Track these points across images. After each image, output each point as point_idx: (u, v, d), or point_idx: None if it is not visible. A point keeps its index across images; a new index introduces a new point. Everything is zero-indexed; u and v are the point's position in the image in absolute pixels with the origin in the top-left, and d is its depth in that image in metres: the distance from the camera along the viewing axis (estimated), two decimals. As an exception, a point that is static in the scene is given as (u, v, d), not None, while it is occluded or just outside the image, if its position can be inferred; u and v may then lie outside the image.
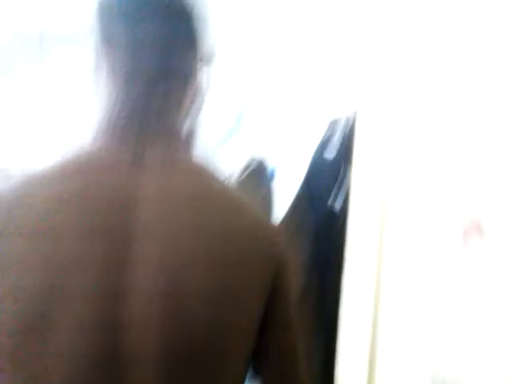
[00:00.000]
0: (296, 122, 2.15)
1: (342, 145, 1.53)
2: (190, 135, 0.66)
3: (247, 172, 2.33)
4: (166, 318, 0.57)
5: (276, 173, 2.26)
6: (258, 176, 2.30)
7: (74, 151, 0.62)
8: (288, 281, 0.67)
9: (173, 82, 0.63)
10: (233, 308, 0.60)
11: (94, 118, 0.63)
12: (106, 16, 0.63)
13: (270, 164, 2.29)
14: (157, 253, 0.58)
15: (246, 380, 0.67)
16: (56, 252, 0.56)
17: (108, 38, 0.62)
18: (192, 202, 0.61)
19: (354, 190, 1.29)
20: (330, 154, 1.63)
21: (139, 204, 0.59)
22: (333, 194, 1.52)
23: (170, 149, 0.63)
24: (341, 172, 1.48)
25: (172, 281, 0.57)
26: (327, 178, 1.60)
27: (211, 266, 0.59)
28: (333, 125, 1.67)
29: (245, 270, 0.61)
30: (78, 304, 0.55)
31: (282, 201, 2.14)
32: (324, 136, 1.70)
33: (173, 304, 0.57)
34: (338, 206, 1.49)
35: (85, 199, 0.58)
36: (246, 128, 2.56)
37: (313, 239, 1.63)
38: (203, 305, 0.58)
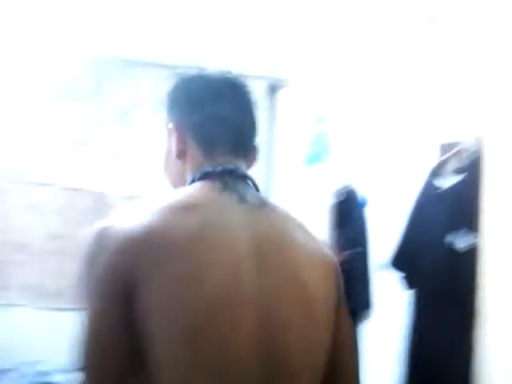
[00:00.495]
0: (389, 147, 1.97)
1: (462, 173, 1.34)
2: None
3: (338, 198, 2.18)
4: (300, 326, 0.77)
5: (368, 200, 2.09)
6: (348, 202, 2.14)
7: (190, 190, 0.82)
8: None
9: (248, 150, 0.90)
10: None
11: (193, 166, 0.86)
12: (198, 104, 0.88)
13: (362, 191, 2.13)
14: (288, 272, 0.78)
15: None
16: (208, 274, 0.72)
17: (199, 119, 0.87)
18: (290, 233, 0.82)
19: (489, 229, 1.10)
20: (445, 182, 1.44)
21: (256, 231, 0.78)
22: (453, 228, 1.33)
23: (257, 193, 0.86)
24: (463, 205, 1.29)
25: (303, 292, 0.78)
26: (443, 210, 1.42)
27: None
28: (446, 151, 1.49)
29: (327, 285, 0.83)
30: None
31: (377, 229, 1.97)
32: (434, 163, 1.52)
33: (304, 311, 0.77)
34: (460, 243, 1.30)
35: (215, 229, 0.76)
36: (337, 154, 2.41)
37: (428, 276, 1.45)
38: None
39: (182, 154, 0.87)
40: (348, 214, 2.15)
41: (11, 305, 2.94)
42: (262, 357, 0.73)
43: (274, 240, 0.79)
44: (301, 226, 0.86)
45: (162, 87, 3.14)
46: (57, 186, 3.09)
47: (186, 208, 0.76)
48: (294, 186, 3.06)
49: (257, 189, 0.87)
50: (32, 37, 2.91)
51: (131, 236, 0.71)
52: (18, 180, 3.03)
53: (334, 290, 0.84)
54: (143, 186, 3.08)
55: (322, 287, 0.81)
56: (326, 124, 2.60)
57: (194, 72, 0.93)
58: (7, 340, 2.76)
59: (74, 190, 3.10)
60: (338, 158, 2.43)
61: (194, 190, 0.81)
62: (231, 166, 0.84)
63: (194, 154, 0.86)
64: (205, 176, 0.83)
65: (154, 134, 3.15)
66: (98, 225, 0.74)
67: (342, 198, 2.17)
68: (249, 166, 0.91)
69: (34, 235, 3.00)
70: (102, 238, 0.73)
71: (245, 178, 0.86)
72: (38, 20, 2.72)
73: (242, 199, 0.81)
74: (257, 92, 3.14)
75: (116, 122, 3.15)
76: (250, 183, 0.86)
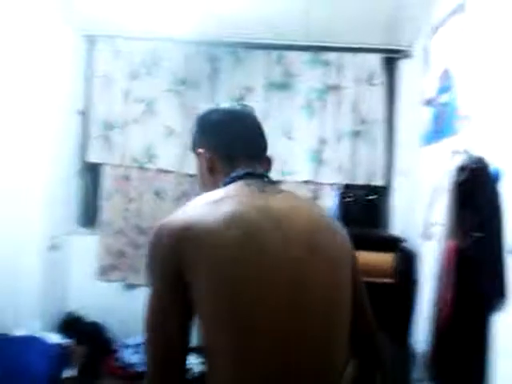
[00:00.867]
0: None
1: None
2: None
3: (464, 173, 1.92)
4: (326, 282, 0.96)
5: (502, 174, 1.80)
6: (476, 178, 1.87)
7: (230, 188, 1.04)
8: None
9: (261, 159, 1.16)
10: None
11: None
12: (224, 132, 1.15)
13: (494, 164, 1.84)
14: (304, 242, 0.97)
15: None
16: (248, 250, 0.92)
17: (226, 141, 1.14)
18: (304, 210, 1.04)
19: None
20: None
21: (271, 211, 0.98)
22: None
23: (274, 184, 1.11)
24: None
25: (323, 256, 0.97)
26: None
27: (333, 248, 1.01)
28: None
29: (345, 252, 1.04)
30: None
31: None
32: None
33: (327, 270, 0.96)
34: None
35: (242, 211, 0.96)
36: (465, 126, 2.14)
37: None
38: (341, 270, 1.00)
39: (211, 171, 1.14)
40: (476, 191, 1.88)
41: (138, 285, 3.13)
42: (291, 304, 0.91)
43: (290, 214, 1.00)
44: (314, 205, 1.22)
45: (273, 69, 3.04)
46: (177, 172, 3.20)
47: (218, 201, 0.99)
48: (414, 165, 2.81)
49: (273, 183, 1.12)
50: (147, 25, 3.03)
51: (176, 229, 0.94)
52: (143, 168, 3.20)
53: (348, 250, 1.06)
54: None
55: (336, 246, 1.02)
56: (451, 94, 2.33)
57: (210, 107, 1.21)
58: (133, 318, 2.93)
59: (192, 176, 3.19)
60: (466, 130, 2.15)
61: (225, 189, 1.05)
62: (250, 170, 1.10)
63: (221, 168, 1.13)
64: (232, 180, 1.08)
65: (268, 116, 3.11)
66: (157, 224, 0.98)
67: (468, 174, 1.91)
68: (265, 171, 1.15)
69: (156, 220, 3.13)
70: (158, 233, 0.96)
71: (262, 176, 1.11)
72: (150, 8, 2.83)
73: (261, 190, 1.04)
74: (373, 65, 2.90)
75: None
76: (267, 180, 1.11)
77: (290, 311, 0.90)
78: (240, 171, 1.09)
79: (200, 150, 1.16)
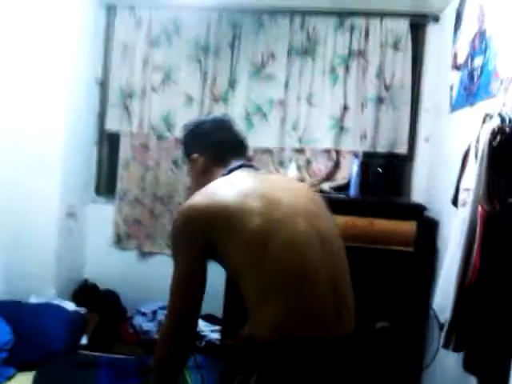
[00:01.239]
0: None
1: None
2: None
3: (498, 137, 1.80)
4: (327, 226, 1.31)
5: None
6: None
7: (237, 173, 1.36)
8: None
9: (244, 155, 1.46)
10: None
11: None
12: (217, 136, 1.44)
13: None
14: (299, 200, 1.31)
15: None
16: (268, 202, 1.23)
17: (216, 141, 1.44)
18: (294, 181, 1.62)
19: None
20: None
21: (273, 182, 1.34)
22: None
23: (261, 171, 1.46)
24: None
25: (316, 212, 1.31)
26: None
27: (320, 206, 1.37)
28: None
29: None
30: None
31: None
32: None
33: (324, 211, 1.35)
34: None
35: (254, 184, 1.29)
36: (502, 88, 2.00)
37: None
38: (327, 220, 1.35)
39: (205, 172, 1.38)
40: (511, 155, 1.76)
41: (154, 253, 3.11)
42: (314, 236, 1.21)
43: (286, 183, 1.41)
44: (293, 179, 1.89)
45: (296, 35, 2.89)
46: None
47: (230, 182, 1.26)
48: (439, 131, 2.69)
49: (258, 169, 1.42)
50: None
51: (203, 206, 1.19)
52: (163, 137, 3.13)
53: (321, 199, 1.39)
54: (278, 138, 2.98)
55: (315, 196, 1.37)
56: (486, 57, 2.19)
57: (194, 120, 1.49)
58: (148, 286, 2.91)
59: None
60: (504, 93, 2.01)
61: (228, 176, 1.32)
62: (241, 162, 1.38)
63: (213, 167, 1.38)
64: (231, 171, 1.34)
65: (291, 82, 3.01)
66: (182, 205, 1.26)
67: (503, 137, 1.79)
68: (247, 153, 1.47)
69: (176, 189, 3.11)
70: (185, 212, 1.21)
71: (251, 166, 1.41)
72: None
73: (257, 173, 1.36)
74: (399, 30, 2.74)
75: (253, 74, 3.05)
76: (256, 169, 1.42)
77: (306, 234, 1.20)
78: (235, 164, 1.36)
79: (194, 156, 1.40)
